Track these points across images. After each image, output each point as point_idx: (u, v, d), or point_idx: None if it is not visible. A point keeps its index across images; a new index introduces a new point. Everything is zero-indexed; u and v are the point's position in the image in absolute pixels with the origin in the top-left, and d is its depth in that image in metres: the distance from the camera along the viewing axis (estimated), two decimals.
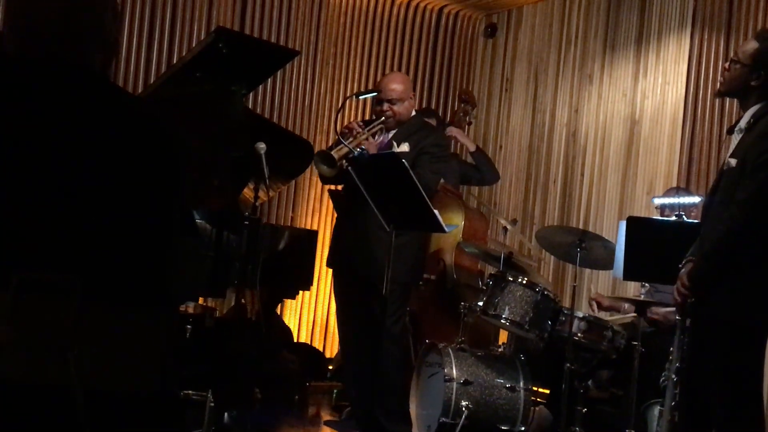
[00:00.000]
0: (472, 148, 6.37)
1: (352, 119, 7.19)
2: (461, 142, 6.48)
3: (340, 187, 5.40)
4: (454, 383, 4.76)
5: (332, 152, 4.74)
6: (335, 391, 6.21)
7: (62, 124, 1.96)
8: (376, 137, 4.98)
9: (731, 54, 3.72)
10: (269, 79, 6.68)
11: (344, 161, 4.68)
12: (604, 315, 5.49)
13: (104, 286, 1.92)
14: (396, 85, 5.03)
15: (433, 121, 6.14)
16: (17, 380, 1.86)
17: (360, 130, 4.88)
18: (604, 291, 6.47)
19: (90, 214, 1.94)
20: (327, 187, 6.63)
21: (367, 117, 7.46)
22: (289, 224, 7.10)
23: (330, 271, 5.54)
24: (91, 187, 1.95)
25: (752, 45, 3.53)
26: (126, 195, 1.98)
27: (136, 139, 2.01)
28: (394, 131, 5.02)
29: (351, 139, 4.76)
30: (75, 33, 2.01)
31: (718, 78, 3.81)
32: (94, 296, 1.89)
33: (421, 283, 5.64)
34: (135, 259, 1.98)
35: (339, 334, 5.43)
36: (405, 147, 4.92)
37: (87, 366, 1.88)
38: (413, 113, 5.15)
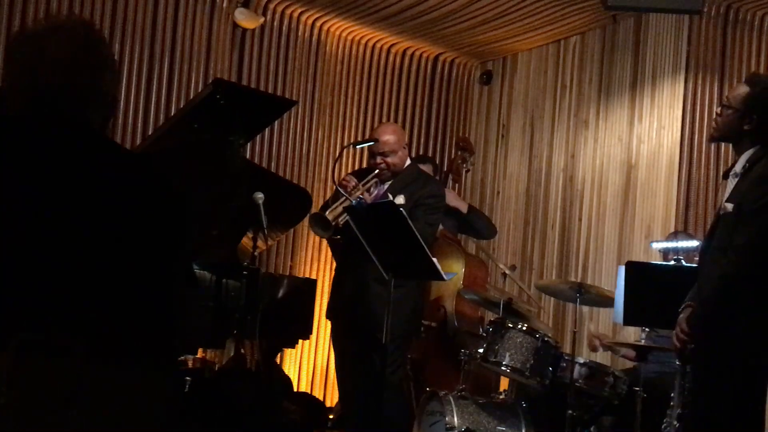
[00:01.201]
0: (465, 210, 6.20)
1: (349, 168, 7.22)
2: (453, 205, 6.13)
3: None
4: None
5: (326, 213, 4.72)
6: None
7: (61, 182, 1.97)
8: (372, 191, 4.95)
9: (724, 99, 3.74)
10: (267, 129, 6.71)
11: (339, 219, 4.68)
12: (601, 357, 5.47)
13: (105, 346, 1.92)
14: (387, 137, 4.97)
15: (429, 168, 6.12)
16: None
17: (354, 186, 4.85)
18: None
19: (90, 273, 1.94)
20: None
21: (364, 165, 7.49)
22: (287, 273, 7.09)
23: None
24: (91, 246, 1.95)
25: (743, 89, 3.55)
26: (127, 253, 1.98)
27: (136, 196, 2.02)
28: (389, 182, 5.00)
29: (344, 198, 4.72)
30: (74, 92, 2.03)
31: (711, 123, 3.82)
32: (95, 355, 1.89)
33: (422, 329, 5.62)
34: (135, 318, 1.97)
35: (338, 385, 5.40)
36: (401, 199, 4.87)
37: (89, 426, 1.87)
38: (408, 162, 5.10)
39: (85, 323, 1.92)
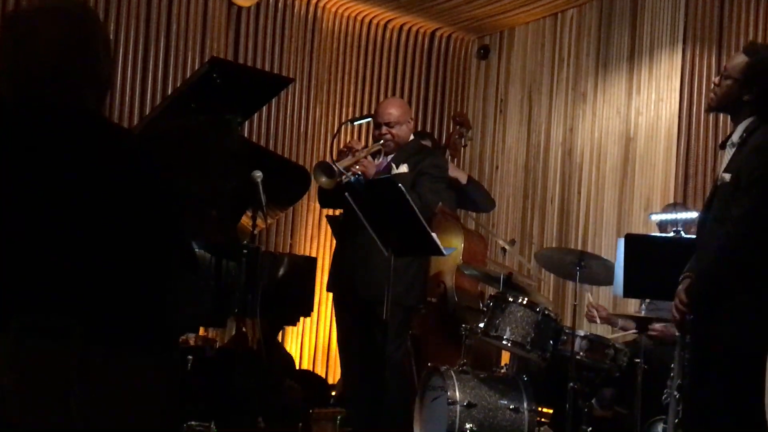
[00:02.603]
0: (464, 180, 6.16)
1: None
2: (453, 176, 5.96)
3: (338, 212, 5.40)
4: (458, 406, 4.74)
5: (334, 163, 4.77)
6: (339, 417, 6.17)
7: (57, 165, 1.96)
8: (375, 159, 5.01)
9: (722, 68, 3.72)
10: (264, 107, 6.70)
11: (343, 176, 4.71)
12: (601, 330, 5.49)
13: (104, 328, 1.92)
14: (393, 110, 5.06)
15: (428, 144, 6.13)
16: (19, 424, 1.85)
17: (359, 148, 4.93)
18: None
19: (88, 255, 1.94)
20: (325, 212, 6.64)
21: (362, 141, 7.48)
22: (287, 251, 7.10)
23: (330, 296, 5.54)
24: (88, 228, 1.95)
25: (741, 59, 3.52)
26: (123, 234, 1.98)
27: (132, 178, 2.01)
28: (392, 155, 5.04)
29: (350, 157, 4.80)
30: (68, 74, 2.02)
31: (709, 94, 3.80)
32: (95, 338, 1.89)
33: (421, 306, 5.62)
34: (134, 300, 1.97)
35: (340, 360, 5.42)
36: (404, 168, 4.96)
37: (89, 408, 1.87)
38: (411, 137, 5.17)
39: (84, 305, 1.92)
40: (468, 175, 6.47)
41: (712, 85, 3.67)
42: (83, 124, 2.04)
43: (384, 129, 5.02)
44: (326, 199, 5.13)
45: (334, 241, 5.51)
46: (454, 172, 6.12)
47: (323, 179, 4.79)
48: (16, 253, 1.92)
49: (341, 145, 5.34)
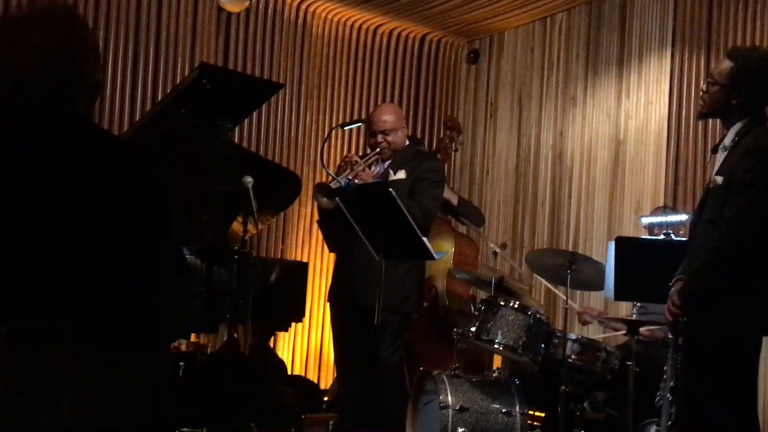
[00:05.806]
0: (455, 202, 6.15)
1: (338, 150, 7.23)
2: (445, 197, 5.74)
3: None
4: (450, 410, 4.75)
5: (331, 183, 4.74)
6: (331, 422, 6.18)
7: (47, 168, 1.96)
8: (373, 168, 5.00)
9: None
10: (254, 113, 6.69)
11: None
12: (592, 331, 5.50)
13: (95, 331, 1.92)
14: (387, 116, 5.03)
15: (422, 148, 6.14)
16: (10, 428, 1.85)
17: (357, 161, 4.91)
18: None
19: (78, 259, 1.94)
20: (316, 218, 6.63)
21: (353, 146, 7.50)
22: (279, 257, 7.09)
23: (322, 302, 5.52)
24: (78, 232, 1.95)
25: (727, 64, 3.55)
26: (113, 238, 1.98)
27: (121, 182, 2.01)
28: (389, 161, 5.03)
29: (348, 171, 4.77)
30: (59, 78, 2.02)
31: (698, 101, 3.82)
32: (86, 341, 1.89)
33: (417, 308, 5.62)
34: (125, 303, 1.97)
35: (336, 365, 5.39)
36: (402, 174, 4.95)
37: (80, 411, 1.87)
38: (407, 142, 5.14)
39: (75, 308, 1.92)
40: (458, 195, 6.46)
41: (701, 93, 3.69)
42: (72, 128, 2.04)
43: (380, 137, 4.98)
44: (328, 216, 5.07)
45: (325, 247, 5.49)
46: (445, 194, 6.09)
47: (324, 200, 4.72)
48: (6, 255, 1.91)
49: (331, 152, 5.32)
